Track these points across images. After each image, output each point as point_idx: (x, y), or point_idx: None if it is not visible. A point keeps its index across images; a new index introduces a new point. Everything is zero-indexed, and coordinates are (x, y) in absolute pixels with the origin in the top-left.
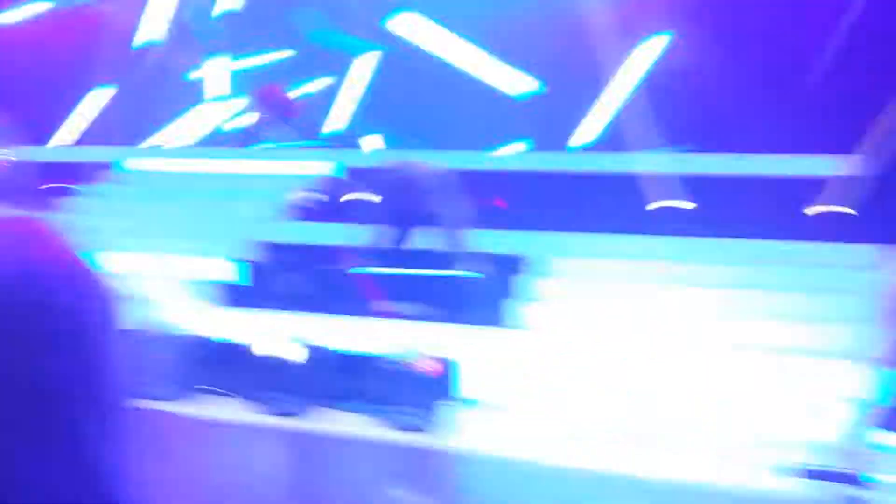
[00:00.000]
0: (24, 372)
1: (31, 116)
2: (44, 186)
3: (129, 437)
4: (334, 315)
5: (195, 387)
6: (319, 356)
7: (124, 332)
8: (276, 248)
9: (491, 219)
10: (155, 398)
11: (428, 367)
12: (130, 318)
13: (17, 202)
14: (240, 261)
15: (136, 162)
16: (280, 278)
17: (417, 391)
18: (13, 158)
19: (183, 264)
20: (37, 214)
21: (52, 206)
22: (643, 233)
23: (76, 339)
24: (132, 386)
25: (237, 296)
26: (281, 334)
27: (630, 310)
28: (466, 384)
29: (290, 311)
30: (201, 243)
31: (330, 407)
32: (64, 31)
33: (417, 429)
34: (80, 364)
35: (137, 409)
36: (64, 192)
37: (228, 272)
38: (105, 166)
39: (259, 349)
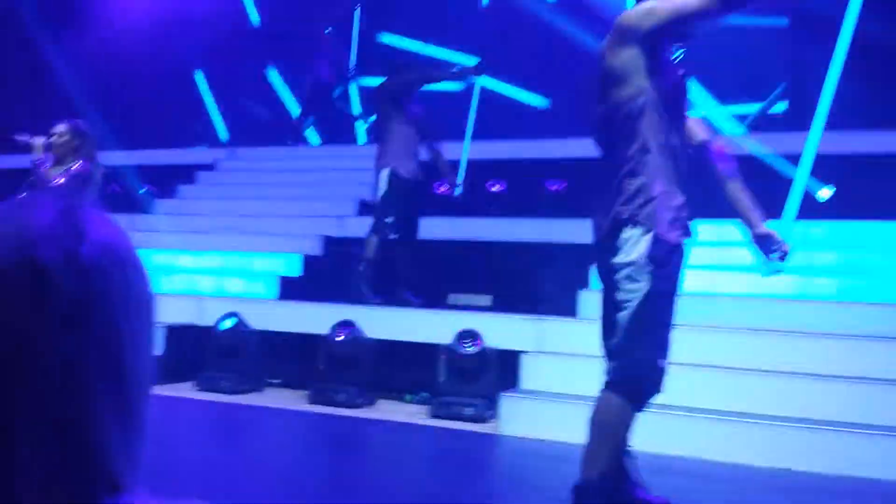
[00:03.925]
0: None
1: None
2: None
3: (145, 419)
4: (395, 307)
5: (261, 378)
6: (380, 347)
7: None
8: (340, 243)
9: (549, 206)
10: (221, 389)
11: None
12: (164, 307)
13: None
14: (306, 254)
15: (228, 161)
16: (344, 271)
17: (479, 381)
18: (92, 164)
19: (254, 260)
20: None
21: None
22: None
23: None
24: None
25: (302, 288)
26: (342, 326)
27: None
28: (530, 373)
29: (352, 304)
30: (269, 239)
31: (392, 397)
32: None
33: (478, 419)
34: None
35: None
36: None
37: (295, 266)
38: (201, 167)
39: (324, 341)
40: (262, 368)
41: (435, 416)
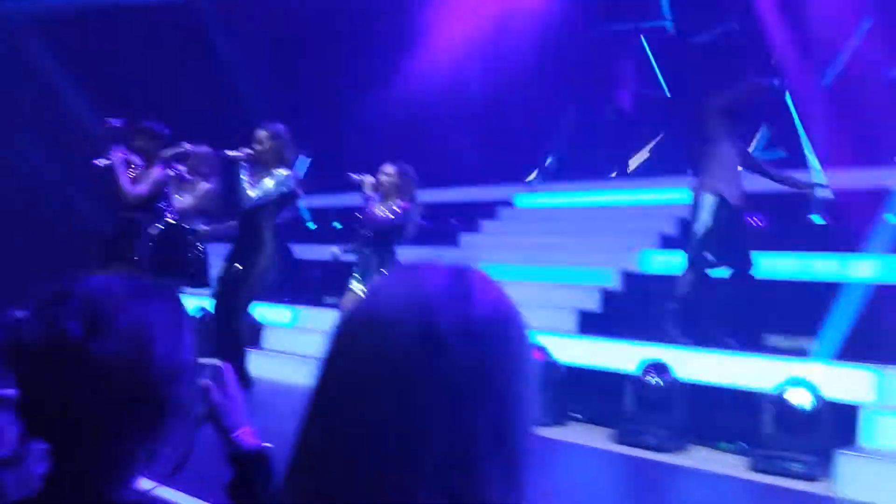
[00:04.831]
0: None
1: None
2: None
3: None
4: (705, 347)
5: (564, 412)
6: (693, 390)
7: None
8: (641, 278)
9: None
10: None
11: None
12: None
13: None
14: (606, 289)
15: (529, 197)
16: (644, 307)
17: (810, 435)
18: (408, 203)
19: (554, 293)
20: (462, 262)
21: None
22: None
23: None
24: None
25: (601, 323)
26: (654, 367)
27: None
28: (871, 430)
29: (655, 342)
30: (568, 273)
31: (707, 445)
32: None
33: (808, 477)
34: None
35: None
36: (459, 229)
37: (595, 301)
38: (502, 202)
39: (632, 380)
40: (565, 402)
41: (756, 469)
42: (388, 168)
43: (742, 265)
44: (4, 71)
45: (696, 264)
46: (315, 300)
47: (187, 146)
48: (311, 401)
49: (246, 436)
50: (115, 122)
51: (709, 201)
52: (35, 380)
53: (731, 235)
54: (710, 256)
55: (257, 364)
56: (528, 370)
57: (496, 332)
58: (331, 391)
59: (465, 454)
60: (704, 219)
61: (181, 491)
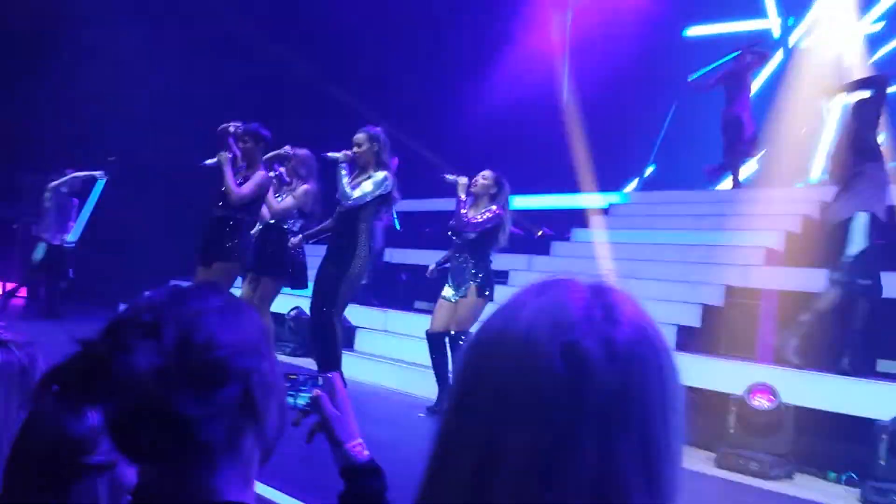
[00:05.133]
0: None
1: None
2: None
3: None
4: (817, 370)
5: None
6: (801, 415)
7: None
8: (744, 293)
9: None
10: None
11: None
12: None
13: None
14: (705, 304)
15: (622, 205)
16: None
17: None
18: (505, 210)
19: (649, 306)
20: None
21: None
22: None
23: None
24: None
25: (700, 340)
26: (760, 389)
27: None
28: None
29: (758, 362)
30: (666, 286)
31: (815, 474)
32: None
33: None
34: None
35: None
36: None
37: (694, 315)
38: (596, 210)
39: (736, 402)
40: None
41: (866, 502)
42: (486, 173)
43: (873, 286)
44: (132, 68)
45: (844, 286)
46: (405, 305)
47: (288, 148)
48: (446, 421)
49: (358, 448)
50: (235, 125)
51: (863, 220)
52: (102, 397)
53: (873, 256)
54: (866, 284)
55: (348, 366)
56: (674, 396)
57: (641, 354)
58: (466, 413)
59: (611, 482)
60: (859, 239)
61: (294, 499)
